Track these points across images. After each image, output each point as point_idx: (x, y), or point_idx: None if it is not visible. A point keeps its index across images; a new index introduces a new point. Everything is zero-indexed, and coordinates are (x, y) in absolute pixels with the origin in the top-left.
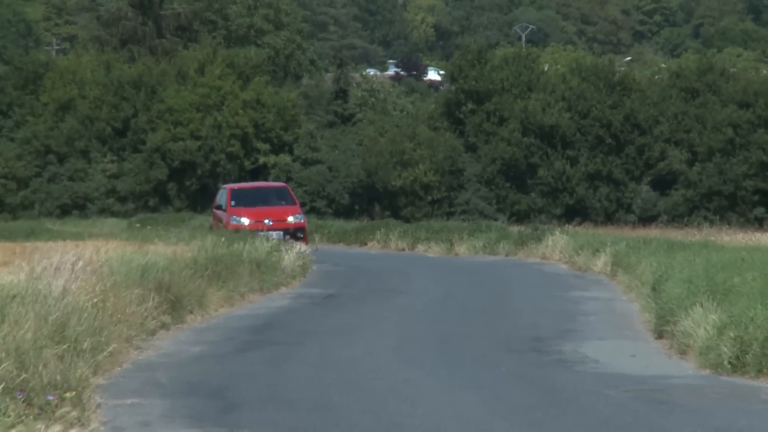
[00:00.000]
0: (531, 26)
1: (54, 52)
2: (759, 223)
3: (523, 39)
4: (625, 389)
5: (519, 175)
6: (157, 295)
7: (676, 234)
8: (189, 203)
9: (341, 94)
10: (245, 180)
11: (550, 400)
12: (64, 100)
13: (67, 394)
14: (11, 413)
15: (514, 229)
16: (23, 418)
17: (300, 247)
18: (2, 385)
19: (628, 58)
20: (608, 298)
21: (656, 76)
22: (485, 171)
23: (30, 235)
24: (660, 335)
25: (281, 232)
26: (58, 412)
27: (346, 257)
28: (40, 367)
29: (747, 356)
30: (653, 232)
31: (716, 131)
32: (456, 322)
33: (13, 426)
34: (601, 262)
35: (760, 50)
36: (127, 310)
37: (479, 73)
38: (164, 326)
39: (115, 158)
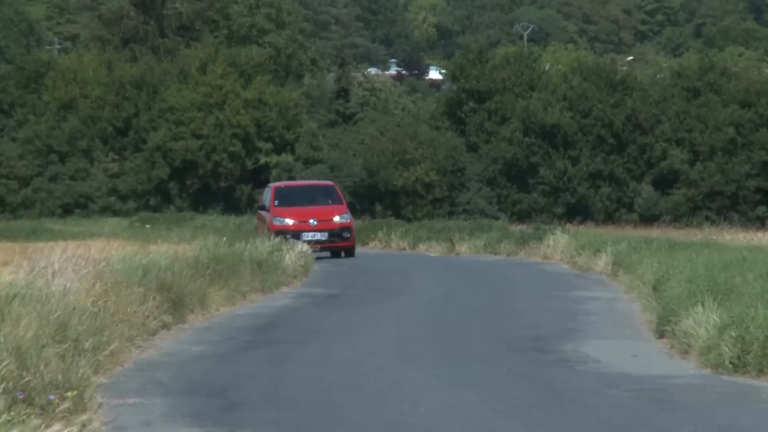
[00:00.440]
0: (532, 25)
1: (56, 52)
2: (761, 223)
3: (525, 38)
4: (626, 389)
5: (520, 174)
6: (158, 295)
7: (677, 233)
8: (190, 203)
9: (343, 93)
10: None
11: (552, 399)
12: (65, 99)
13: (69, 394)
14: (12, 413)
15: (516, 228)
16: (24, 417)
17: (301, 246)
18: (3, 385)
19: (630, 58)
20: (609, 297)
21: (658, 76)
22: (486, 170)
23: (31, 234)
24: (661, 335)
25: (326, 233)
26: (58, 409)
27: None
28: (42, 367)
29: (748, 356)
30: (655, 232)
31: (718, 131)
32: (457, 321)
33: (14, 425)
34: (603, 261)
35: (761, 50)
36: (128, 310)
37: (480, 72)
38: (165, 326)
39: (116, 157)
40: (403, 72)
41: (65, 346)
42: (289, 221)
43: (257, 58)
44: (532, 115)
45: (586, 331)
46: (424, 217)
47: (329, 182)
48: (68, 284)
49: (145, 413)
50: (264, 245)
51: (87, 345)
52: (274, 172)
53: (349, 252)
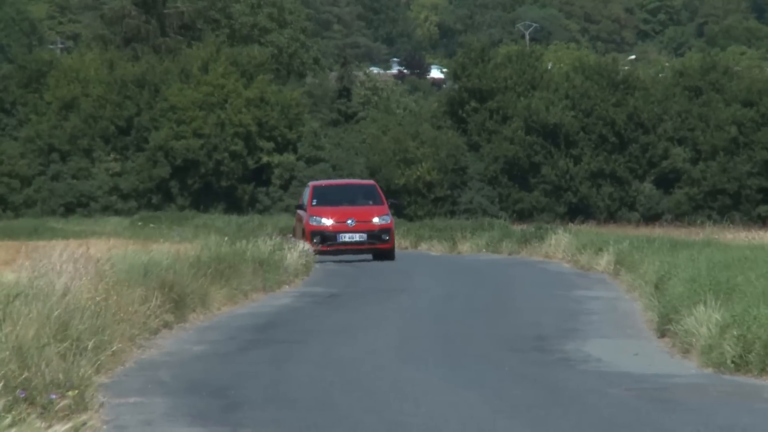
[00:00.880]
0: (534, 24)
1: (58, 51)
2: (763, 222)
3: (527, 37)
4: (627, 388)
5: (522, 173)
6: (160, 294)
7: (679, 233)
8: (192, 201)
9: (345, 92)
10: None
11: (553, 398)
12: (67, 98)
13: (70, 393)
14: (14, 412)
15: (517, 227)
16: (24, 416)
17: (302, 246)
18: (2, 384)
19: (632, 57)
20: (611, 297)
21: (660, 75)
22: (488, 169)
23: (33, 233)
24: (663, 334)
25: (365, 234)
26: (59, 406)
27: (348, 256)
28: (43, 366)
29: (750, 355)
30: (656, 231)
31: (720, 130)
32: (458, 321)
33: (14, 425)
34: (604, 260)
35: (764, 49)
36: (129, 309)
37: (482, 71)
38: (167, 325)
39: (118, 156)
40: (405, 71)
41: (66, 345)
42: (327, 221)
43: (259, 57)
44: (534, 114)
45: (587, 331)
46: (425, 216)
47: (370, 181)
48: (70, 283)
49: (146, 412)
50: (266, 244)
51: (88, 344)
52: (276, 172)
53: (388, 255)
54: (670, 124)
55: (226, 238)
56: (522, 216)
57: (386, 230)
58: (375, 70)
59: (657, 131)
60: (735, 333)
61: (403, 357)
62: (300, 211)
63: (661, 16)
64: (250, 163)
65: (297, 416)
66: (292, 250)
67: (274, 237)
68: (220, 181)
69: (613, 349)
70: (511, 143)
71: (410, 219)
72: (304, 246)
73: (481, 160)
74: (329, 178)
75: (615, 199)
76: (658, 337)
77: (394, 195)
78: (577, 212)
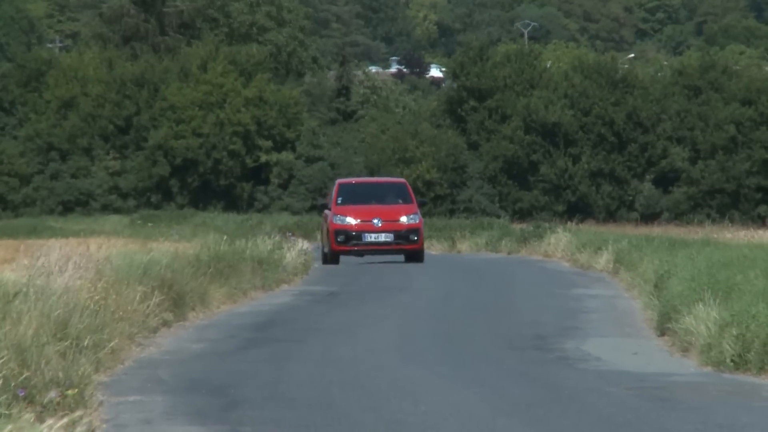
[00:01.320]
0: (533, 23)
1: (57, 50)
2: (762, 221)
3: (526, 36)
4: (627, 387)
5: (521, 172)
6: (159, 293)
7: (678, 232)
8: (191, 200)
9: (343, 91)
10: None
11: (552, 397)
12: (66, 97)
13: (69, 392)
14: (13, 410)
15: (517, 226)
16: (24, 415)
17: (301, 244)
18: (1, 382)
19: (631, 56)
20: (610, 295)
21: (659, 74)
22: (487, 168)
23: (32, 232)
24: (662, 333)
25: (392, 234)
26: (58, 407)
27: (348, 254)
28: (42, 364)
29: (749, 354)
30: (655, 230)
31: (719, 129)
32: (458, 319)
33: (14, 423)
34: (604, 259)
35: (762, 48)
36: (129, 308)
37: (481, 70)
38: (166, 323)
39: (117, 155)
40: (404, 70)
41: (66, 343)
42: (351, 220)
43: (258, 56)
44: (533, 113)
45: (586, 329)
46: (425, 215)
47: (401, 179)
48: (69, 282)
49: (145, 411)
50: (265, 243)
51: (88, 343)
52: (274, 170)
53: (417, 256)
54: (669, 124)
55: (225, 237)
56: (521, 215)
57: (414, 230)
58: (374, 69)
59: (656, 130)
60: (734, 332)
61: (403, 356)
62: (326, 211)
63: (660, 15)
64: (249, 161)
65: (296, 415)
66: (291, 248)
67: (273, 236)
68: (218, 179)
69: (613, 348)
70: (510, 142)
71: None
72: (302, 245)
73: (481, 159)
74: (329, 177)
75: (614, 198)
76: (658, 336)
77: None
78: (576, 211)
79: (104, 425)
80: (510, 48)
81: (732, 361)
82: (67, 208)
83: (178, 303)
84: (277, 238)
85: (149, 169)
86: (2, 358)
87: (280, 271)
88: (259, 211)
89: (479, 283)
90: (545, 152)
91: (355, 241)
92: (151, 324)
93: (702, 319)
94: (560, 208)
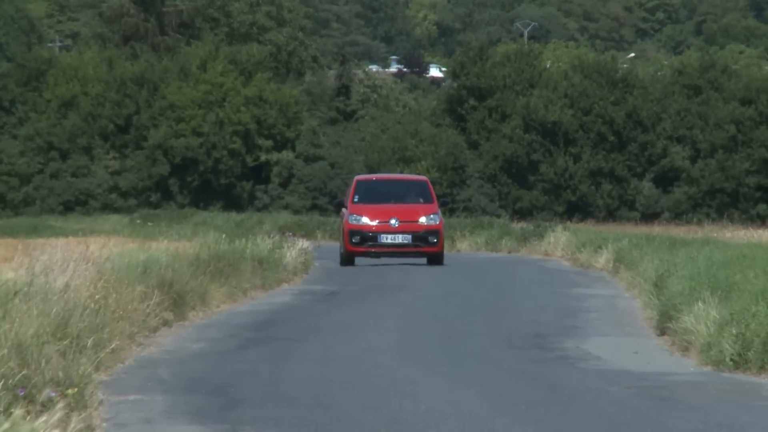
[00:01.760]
0: (533, 23)
1: (57, 49)
2: (761, 220)
3: (525, 36)
4: (627, 386)
5: (521, 171)
6: (159, 292)
7: (678, 231)
8: (191, 199)
9: (343, 90)
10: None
11: (552, 396)
12: (66, 96)
13: (69, 391)
14: (12, 410)
15: (517, 225)
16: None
17: (301, 243)
18: (3, 382)
19: (631, 55)
20: (610, 295)
21: (659, 73)
22: (487, 168)
23: (32, 231)
24: (662, 332)
25: (410, 236)
26: (59, 406)
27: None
28: (42, 364)
29: (749, 353)
30: (655, 229)
31: (718, 128)
32: (458, 318)
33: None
34: (604, 259)
35: (762, 47)
36: (129, 307)
37: (481, 69)
38: (166, 323)
39: (117, 155)
40: (404, 69)
41: (66, 343)
42: (367, 220)
43: (258, 55)
44: (533, 113)
45: (586, 329)
46: None
47: (422, 177)
48: (69, 281)
49: (145, 410)
50: (264, 242)
51: (88, 342)
52: (274, 170)
53: (436, 259)
54: (669, 123)
55: (224, 236)
56: (521, 214)
57: (434, 232)
58: (374, 68)
59: (656, 130)
60: (734, 331)
61: (403, 355)
62: (343, 209)
63: (660, 15)
64: (249, 161)
65: (296, 414)
66: (291, 248)
67: (273, 235)
68: (218, 179)
69: (613, 347)
70: (510, 141)
71: None
72: (302, 244)
73: (480, 158)
74: (329, 176)
75: (614, 197)
76: (658, 335)
77: None
78: (576, 210)
79: (104, 424)
80: (510, 47)
81: (732, 360)
82: (67, 208)
83: (178, 302)
84: (277, 237)
85: (149, 169)
86: (2, 357)
87: (280, 270)
88: (259, 210)
89: (479, 282)
90: (545, 151)
91: (370, 243)
92: (152, 323)
93: (702, 318)
94: (560, 207)
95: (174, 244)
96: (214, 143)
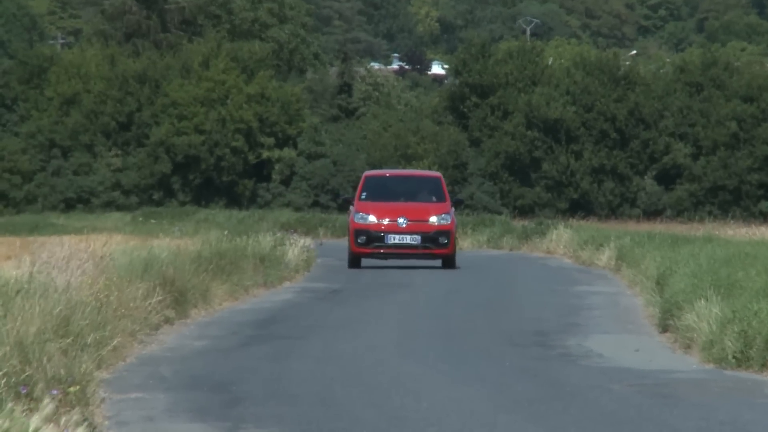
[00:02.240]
0: (535, 20)
1: (59, 47)
2: (763, 218)
3: (528, 33)
4: (629, 383)
5: (523, 169)
6: (161, 290)
7: (680, 228)
8: (193, 197)
9: (345, 88)
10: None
11: (554, 393)
12: (68, 94)
13: (71, 389)
14: (14, 407)
15: (518, 223)
16: (26, 412)
17: (303, 241)
18: (5, 380)
19: (633, 52)
20: (612, 292)
21: (661, 71)
22: (489, 165)
23: (34, 229)
24: (664, 329)
25: (419, 236)
26: (60, 404)
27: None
28: (44, 362)
29: (751, 350)
30: (658, 227)
31: (720, 125)
32: (459, 316)
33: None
34: (606, 256)
35: (764, 44)
36: (131, 305)
37: (483, 67)
38: (168, 320)
39: (119, 152)
40: (406, 67)
41: (68, 340)
42: (374, 219)
43: (260, 52)
44: (535, 110)
45: (589, 326)
46: None
47: (435, 173)
48: (71, 279)
49: (147, 408)
50: (266, 240)
51: (89, 340)
52: (276, 167)
53: (448, 262)
54: (671, 120)
55: (225, 232)
56: (523, 212)
57: (445, 233)
58: (376, 65)
59: (658, 127)
60: (736, 329)
61: (404, 352)
62: (351, 207)
63: (662, 12)
64: (251, 158)
65: (298, 411)
66: (293, 245)
67: (275, 232)
68: (220, 176)
69: (615, 345)
70: (512, 139)
71: None
72: (304, 241)
73: (482, 155)
74: (331, 173)
75: (616, 194)
76: (660, 333)
77: None
78: (578, 208)
79: (106, 422)
80: (512, 45)
81: (734, 357)
82: (69, 205)
83: (179, 300)
84: (279, 234)
85: (151, 166)
86: (4, 355)
87: (282, 268)
88: (261, 207)
89: (481, 279)
90: (547, 149)
91: (377, 243)
92: (153, 321)
93: (704, 315)
94: (562, 204)
95: (176, 241)
96: (216, 141)
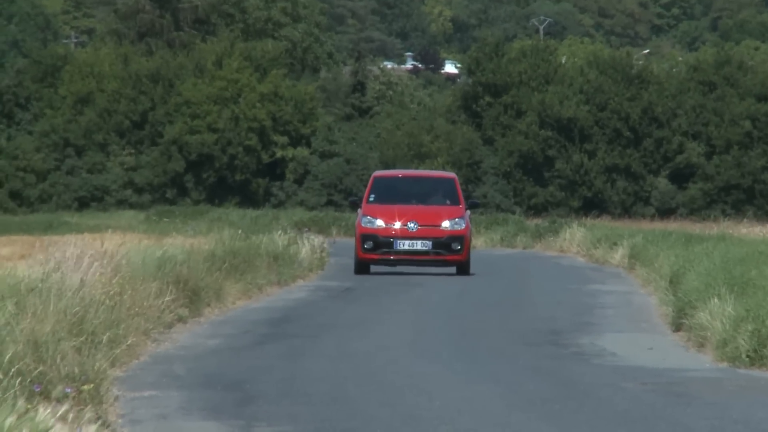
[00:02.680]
0: (548, 19)
1: (72, 46)
2: None
3: (541, 32)
4: (642, 382)
5: (536, 168)
6: (174, 288)
7: (693, 227)
8: (206, 196)
9: (359, 86)
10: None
11: (567, 392)
12: (82, 93)
13: (85, 387)
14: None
15: (532, 222)
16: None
17: (318, 239)
18: (20, 378)
19: (646, 51)
20: (626, 291)
21: (674, 69)
22: (502, 164)
23: (48, 228)
24: (677, 328)
25: (430, 242)
26: (73, 397)
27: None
28: (58, 360)
29: (764, 349)
30: (671, 226)
31: (734, 124)
32: (472, 315)
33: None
34: (619, 255)
35: None
36: (144, 303)
37: (497, 65)
38: (181, 319)
39: (132, 151)
40: (420, 66)
41: (82, 339)
42: (381, 223)
43: (273, 51)
44: (549, 109)
45: (602, 325)
46: None
47: (449, 174)
48: (85, 278)
49: (160, 406)
50: (280, 238)
51: (103, 338)
52: (290, 166)
53: (462, 268)
54: (685, 119)
55: (240, 232)
56: (536, 210)
57: (458, 238)
58: (389, 64)
59: (671, 126)
60: (749, 327)
61: (417, 351)
62: (359, 210)
63: (675, 11)
64: (264, 157)
65: (311, 410)
66: (307, 244)
67: (288, 231)
68: (234, 175)
69: (628, 343)
70: (525, 138)
71: None
72: (318, 240)
73: (496, 154)
74: (345, 172)
75: (629, 193)
76: (673, 332)
77: None
78: (592, 207)
79: (119, 420)
80: (525, 44)
81: (747, 356)
82: (83, 204)
83: (193, 299)
84: (292, 233)
85: (164, 165)
86: (18, 353)
87: (295, 266)
88: (274, 206)
89: (494, 278)
90: (560, 148)
91: (385, 249)
92: (167, 319)
93: (717, 314)
94: (575, 203)
95: (189, 240)
96: (230, 139)
